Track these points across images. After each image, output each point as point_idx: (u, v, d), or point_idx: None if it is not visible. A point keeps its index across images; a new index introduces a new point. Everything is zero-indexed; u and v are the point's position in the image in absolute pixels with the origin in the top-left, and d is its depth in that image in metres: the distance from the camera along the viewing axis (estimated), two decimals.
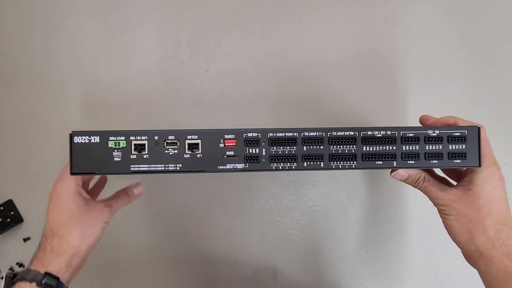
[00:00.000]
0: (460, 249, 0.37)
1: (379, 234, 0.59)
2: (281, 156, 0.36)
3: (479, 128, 0.35)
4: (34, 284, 0.35)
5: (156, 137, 0.36)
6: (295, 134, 0.36)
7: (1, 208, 0.57)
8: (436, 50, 0.60)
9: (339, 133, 0.36)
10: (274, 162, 0.36)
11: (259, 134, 0.36)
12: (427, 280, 0.59)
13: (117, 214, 0.57)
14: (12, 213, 0.57)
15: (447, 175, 0.41)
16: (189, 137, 0.36)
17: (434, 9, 0.60)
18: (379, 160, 0.36)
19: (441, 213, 0.37)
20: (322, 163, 0.36)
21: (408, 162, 0.36)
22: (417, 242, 0.58)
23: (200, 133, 0.36)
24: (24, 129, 0.58)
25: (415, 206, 0.58)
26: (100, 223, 0.40)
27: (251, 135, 0.36)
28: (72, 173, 0.36)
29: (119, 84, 0.58)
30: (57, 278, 0.36)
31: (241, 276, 0.59)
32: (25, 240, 0.57)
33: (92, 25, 0.59)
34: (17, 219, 0.57)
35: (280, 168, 0.36)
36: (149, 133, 0.36)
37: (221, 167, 0.36)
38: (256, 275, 0.59)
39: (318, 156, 0.36)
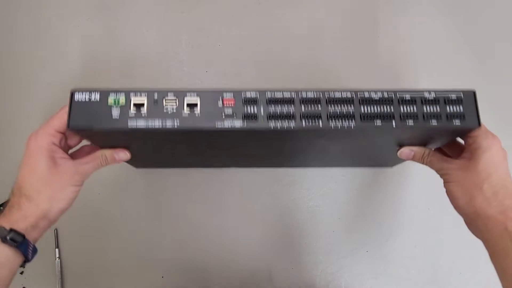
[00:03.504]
0: (462, 217, 0.38)
1: (379, 234, 0.59)
2: (279, 114, 0.36)
3: (474, 92, 0.36)
4: None
5: (155, 96, 0.35)
6: (293, 94, 0.36)
7: (1, 208, 0.57)
8: (436, 50, 0.60)
9: (337, 94, 0.36)
10: (272, 120, 0.36)
11: (258, 94, 0.36)
12: (427, 280, 0.59)
13: (113, 214, 0.57)
14: None
15: (450, 153, 0.42)
16: (188, 95, 0.36)
17: (435, 9, 0.60)
18: (378, 120, 0.36)
19: (445, 181, 0.38)
20: (320, 121, 0.36)
21: (408, 122, 0.36)
22: (417, 242, 0.58)
23: (199, 92, 0.36)
24: (24, 129, 0.58)
25: (415, 206, 0.58)
26: (70, 187, 0.38)
27: (249, 95, 0.36)
28: (69, 128, 0.35)
29: (119, 84, 0.58)
30: (23, 235, 0.35)
31: (240, 276, 0.59)
32: None
33: (92, 25, 0.59)
34: None
35: (279, 127, 0.35)
36: (148, 91, 0.36)
37: (219, 125, 0.36)
38: (253, 276, 0.59)
39: (316, 115, 0.36)
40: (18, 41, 0.59)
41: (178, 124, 0.35)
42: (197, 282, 0.59)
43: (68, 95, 0.35)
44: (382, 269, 0.59)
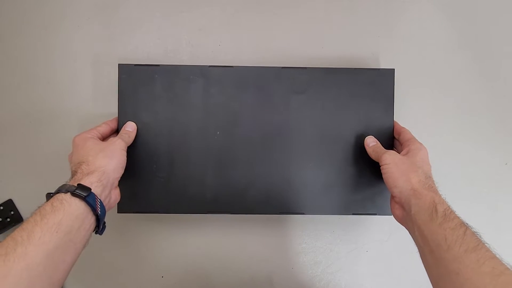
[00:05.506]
0: (393, 197, 0.46)
1: (379, 234, 0.59)
2: None
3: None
4: (69, 194, 0.38)
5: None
6: None
7: (1, 208, 0.57)
8: (436, 50, 0.60)
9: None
10: None
11: None
12: (427, 280, 0.58)
13: (113, 212, 0.57)
14: (12, 213, 0.57)
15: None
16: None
17: (434, 9, 0.60)
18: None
19: (384, 169, 0.47)
20: None
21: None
22: None
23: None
24: (24, 129, 0.58)
25: None
26: (117, 149, 0.46)
27: None
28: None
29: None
30: (89, 188, 0.39)
31: (240, 277, 0.59)
32: None
33: (92, 25, 0.59)
34: (17, 219, 0.57)
35: None
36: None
37: None
38: (253, 276, 0.59)
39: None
40: (18, 41, 0.59)
41: None
42: (197, 282, 0.59)
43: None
44: (382, 269, 0.59)
